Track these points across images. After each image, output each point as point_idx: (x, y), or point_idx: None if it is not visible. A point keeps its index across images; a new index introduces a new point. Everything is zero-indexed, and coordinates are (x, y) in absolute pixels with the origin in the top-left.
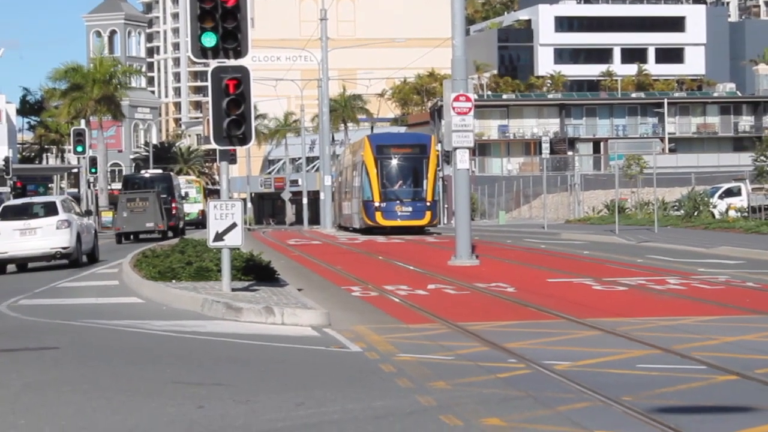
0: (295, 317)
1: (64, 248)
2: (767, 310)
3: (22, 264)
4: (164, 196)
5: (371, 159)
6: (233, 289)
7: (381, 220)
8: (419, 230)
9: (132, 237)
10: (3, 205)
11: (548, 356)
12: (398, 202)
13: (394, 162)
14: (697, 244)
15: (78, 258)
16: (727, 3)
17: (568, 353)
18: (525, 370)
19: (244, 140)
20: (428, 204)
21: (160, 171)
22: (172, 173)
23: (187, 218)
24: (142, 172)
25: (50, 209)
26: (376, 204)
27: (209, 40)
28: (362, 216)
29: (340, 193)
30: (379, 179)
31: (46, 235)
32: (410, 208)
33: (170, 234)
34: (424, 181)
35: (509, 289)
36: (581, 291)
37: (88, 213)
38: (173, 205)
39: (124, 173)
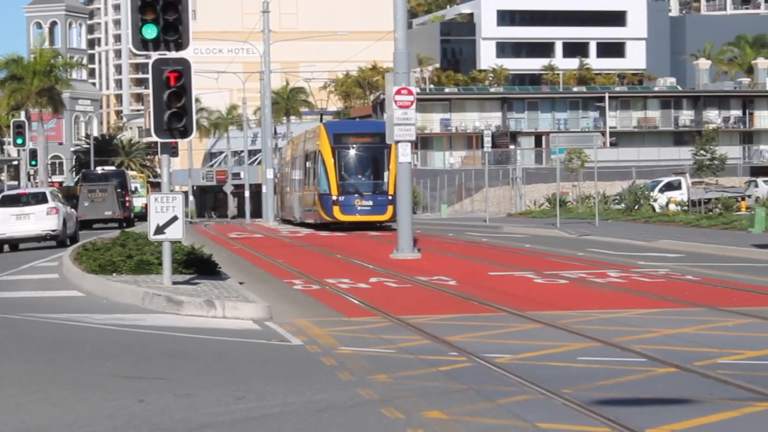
0: (237, 310)
1: (53, 231)
2: (706, 302)
3: (15, 244)
4: (119, 189)
5: (328, 148)
6: (174, 283)
7: (339, 215)
8: (380, 226)
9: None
10: (2, 194)
11: (489, 349)
12: (357, 195)
13: (353, 152)
14: (637, 237)
15: (64, 240)
16: None
17: (509, 346)
18: (466, 363)
19: (185, 133)
20: (390, 198)
21: (114, 168)
22: (124, 170)
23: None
24: (98, 168)
25: (41, 198)
26: (334, 197)
27: (150, 32)
28: (318, 210)
29: (283, 186)
30: (336, 170)
31: (38, 220)
32: (371, 202)
33: (124, 224)
34: (386, 173)
35: (451, 283)
36: (522, 284)
37: (69, 203)
38: (126, 198)
39: (65, 166)
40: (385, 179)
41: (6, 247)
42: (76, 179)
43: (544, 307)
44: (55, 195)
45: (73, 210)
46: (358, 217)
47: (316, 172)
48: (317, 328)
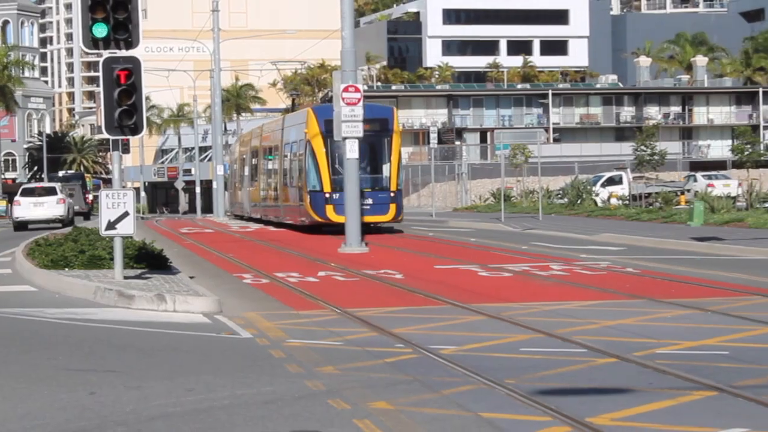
0: (187, 304)
1: (60, 216)
2: (646, 294)
3: (24, 225)
4: (82, 189)
5: (319, 137)
6: (126, 277)
7: (333, 215)
8: (380, 228)
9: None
10: (22, 187)
11: (435, 341)
12: None
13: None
14: (579, 231)
15: (67, 223)
16: None
17: (454, 338)
18: (412, 355)
19: (135, 130)
20: (392, 195)
21: (74, 171)
22: (84, 173)
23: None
24: (60, 172)
25: (52, 191)
26: (326, 195)
27: (100, 30)
28: (306, 210)
29: (235, 182)
30: (329, 163)
31: (50, 207)
32: (370, 200)
33: (82, 218)
34: (387, 166)
35: (397, 276)
36: (467, 277)
37: (71, 195)
38: (86, 195)
39: (18, 163)
40: (387, 173)
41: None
42: (29, 176)
43: (489, 300)
44: (62, 188)
45: (71, 200)
46: None
47: (302, 165)
48: (266, 321)
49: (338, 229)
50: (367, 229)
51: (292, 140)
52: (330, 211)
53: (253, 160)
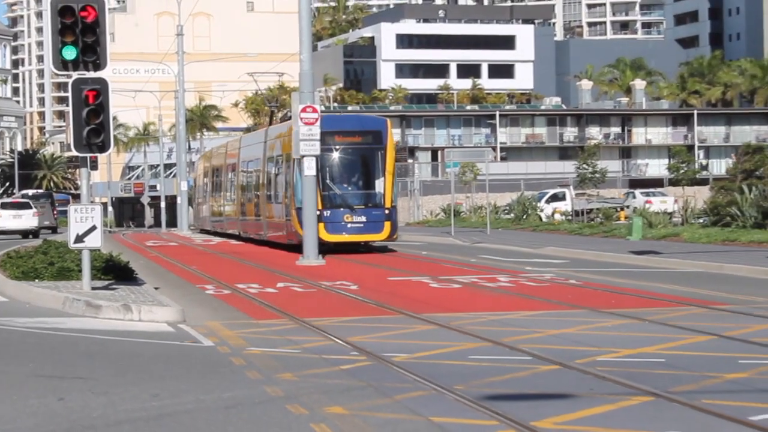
0: (152, 314)
1: (34, 227)
2: (587, 305)
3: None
4: (51, 206)
5: None
6: (93, 288)
7: (324, 234)
8: (372, 248)
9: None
10: (1, 201)
11: (388, 349)
12: (347, 210)
13: (340, 155)
14: (525, 245)
15: (37, 233)
16: (553, 23)
17: (406, 346)
18: (366, 362)
19: (103, 148)
20: (387, 212)
21: (42, 190)
22: (52, 191)
23: None
24: (30, 191)
25: (28, 206)
26: (317, 212)
27: (70, 53)
28: (294, 228)
29: (198, 198)
30: (319, 179)
31: (26, 219)
32: (363, 218)
33: (50, 232)
34: (381, 181)
35: (353, 287)
36: (419, 288)
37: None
38: (54, 212)
39: None
40: (380, 189)
41: None
42: (1, 192)
43: (439, 310)
44: (36, 203)
45: (42, 215)
46: (347, 237)
47: (289, 179)
48: (228, 330)
49: (330, 249)
50: (358, 249)
51: (276, 153)
52: (321, 230)
53: (230, 174)
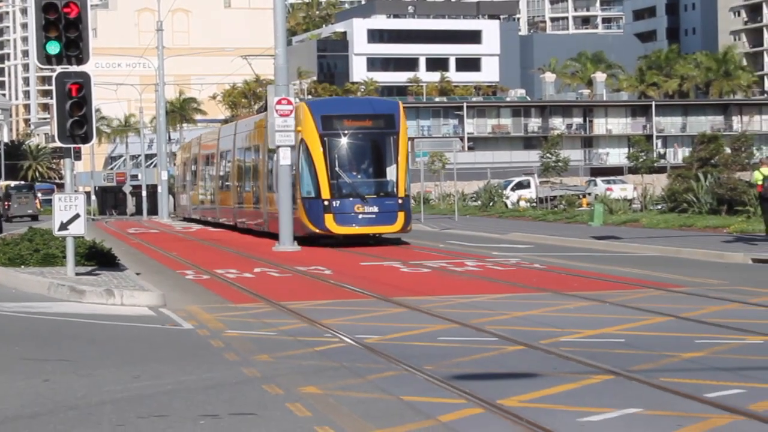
0: (134, 298)
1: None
2: (551, 288)
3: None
4: (33, 196)
5: (314, 136)
6: (77, 274)
7: (333, 225)
8: (383, 240)
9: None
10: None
11: (360, 331)
12: (358, 199)
13: (349, 140)
14: (492, 230)
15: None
16: (518, 18)
17: (378, 328)
18: (339, 344)
19: (85, 139)
20: (400, 201)
21: (23, 182)
22: (33, 183)
23: None
24: (13, 183)
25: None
26: (325, 202)
27: (53, 48)
28: (301, 219)
29: (181, 186)
30: (327, 166)
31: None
32: (375, 208)
33: (29, 220)
34: (393, 168)
35: (326, 272)
36: (390, 273)
37: (26, 201)
38: (36, 201)
39: None
40: (393, 177)
41: None
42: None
43: (409, 293)
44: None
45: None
46: (357, 229)
47: (295, 168)
48: (207, 313)
49: (338, 242)
50: (368, 241)
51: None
52: (330, 221)
53: (224, 162)
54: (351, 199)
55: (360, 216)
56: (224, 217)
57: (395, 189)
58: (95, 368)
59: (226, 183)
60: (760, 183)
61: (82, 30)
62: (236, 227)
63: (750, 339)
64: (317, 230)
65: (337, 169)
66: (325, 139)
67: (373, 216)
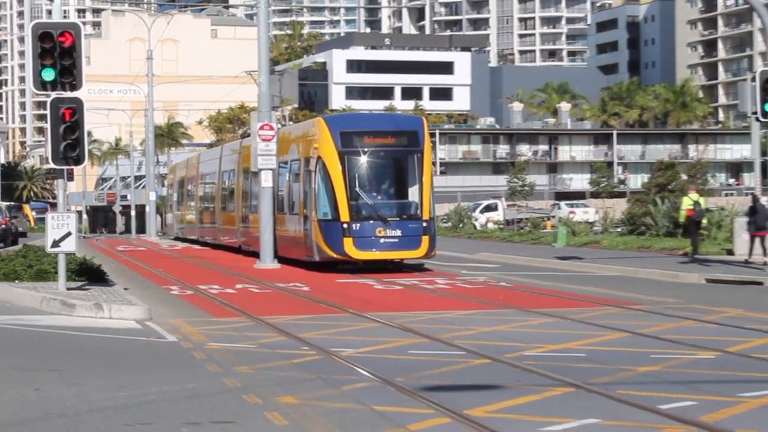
0: (121, 312)
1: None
2: (517, 305)
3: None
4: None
5: (333, 154)
6: (68, 289)
7: (352, 250)
8: (406, 266)
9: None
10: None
11: (336, 344)
12: (379, 222)
13: (370, 159)
14: (461, 250)
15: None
16: (488, 51)
17: (352, 342)
18: (316, 356)
19: (78, 161)
20: (424, 225)
21: (14, 202)
22: (22, 204)
23: None
24: (4, 203)
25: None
26: (344, 225)
27: (49, 74)
28: (318, 243)
29: (172, 204)
30: (347, 186)
31: None
32: (398, 232)
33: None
34: (417, 189)
35: (304, 288)
36: (365, 290)
37: (16, 218)
38: (26, 220)
39: None
40: (417, 198)
41: None
42: None
43: (382, 309)
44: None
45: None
46: (378, 254)
47: (310, 187)
48: (190, 327)
49: (358, 268)
50: (387, 268)
51: (291, 158)
52: (349, 246)
53: (228, 181)
54: (372, 221)
55: (382, 240)
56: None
57: (419, 211)
58: (84, 378)
59: (213, 204)
60: (690, 207)
61: (76, 58)
62: (221, 246)
63: (702, 354)
64: (335, 255)
65: (357, 189)
66: (345, 156)
67: (396, 240)
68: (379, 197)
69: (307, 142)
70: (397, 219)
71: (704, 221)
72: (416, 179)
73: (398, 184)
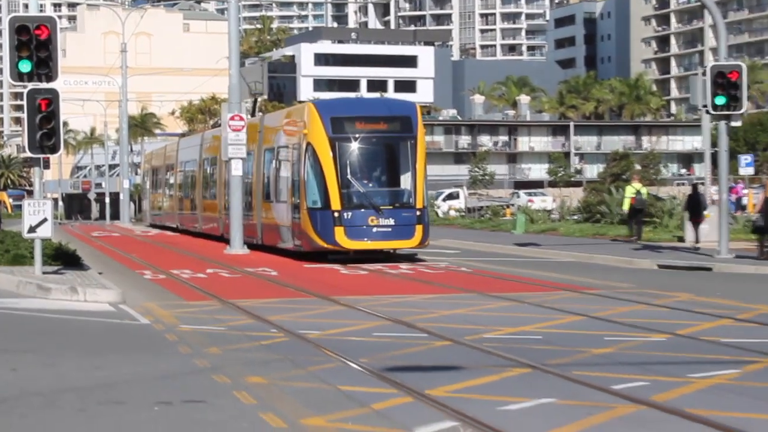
0: (96, 295)
1: None
2: (477, 289)
3: None
4: None
5: (323, 140)
6: (44, 273)
7: (344, 240)
8: (403, 255)
9: None
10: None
11: (303, 327)
12: (372, 210)
13: (361, 145)
14: None
15: None
16: (451, 45)
17: (319, 324)
18: (284, 338)
19: (53, 149)
20: (418, 213)
21: None
22: (0, 191)
23: None
24: None
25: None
26: (335, 214)
27: (25, 66)
28: (306, 232)
29: (152, 191)
30: (338, 173)
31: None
32: (391, 221)
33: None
34: (410, 177)
35: (273, 273)
36: (331, 274)
37: None
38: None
39: None
40: (410, 186)
41: None
42: None
43: (348, 293)
44: None
45: None
46: (371, 244)
47: (299, 174)
48: (162, 310)
49: (349, 258)
50: (377, 257)
51: (278, 144)
52: (340, 235)
53: (210, 168)
54: (364, 210)
55: (374, 229)
56: (189, 223)
57: (413, 199)
58: (59, 359)
59: (194, 192)
60: (633, 196)
61: (51, 50)
62: (202, 234)
63: (654, 337)
64: (326, 245)
65: (348, 176)
66: (336, 143)
67: (389, 229)
68: (371, 185)
69: (296, 128)
70: (390, 207)
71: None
72: (409, 166)
73: (391, 171)
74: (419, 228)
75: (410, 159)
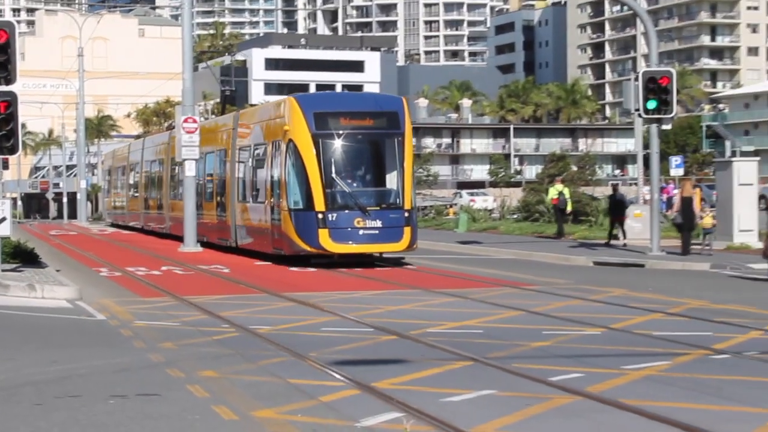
0: (53, 292)
1: None
2: (421, 286)
3: None
4: None
5: (306, 137)
6: (3, 270)
7: (328, 243)
8: (390, 259)
9: None
10: None
11: (254, 322)
12: (358, 212)
13: (346, 143)
14: None
15: None
16: (396, 51)
17: (269, 320)
18: (235, 333)
19: (12, 150)
20: (406, 215)
21: None
22: None
23: None
24: None
25: None
26: (319, 215)
27: None
28: (288, 234)
29: (113, 190)
30: (322, 173)
31: None
32: (378, 222)
33: None
34: (397, 176)
35: (225, 270)
36: (281, 272)
37: None
38: None
39: None
40: (397, 185)
41: None
42: None
43: (297, 289)
44: None
45: None
46: (357, 247)
47: (279, 174)
48: (118, 306)
49: (333, 263)
50: (363, 262)
51: (254, 142)
52: (324, 238)
53: (178, 168)
54: (349, 211)
55: (361, 232)
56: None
57: (400, 199)
58: (17, 353)
59: (161, 192)
60: (555, 197)
61: (10, 54)
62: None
63: (589, 330)
64: (309, 248)
65: (333, 175)
66: (319, 140)
67: (376, 232)
68: (357, 184)
69: (275, 124)
70: (377, 208)
71: (569, 208)
72: (397, 165)
73: (377, 170)
74: (407, 230)
75: (398, 157)
